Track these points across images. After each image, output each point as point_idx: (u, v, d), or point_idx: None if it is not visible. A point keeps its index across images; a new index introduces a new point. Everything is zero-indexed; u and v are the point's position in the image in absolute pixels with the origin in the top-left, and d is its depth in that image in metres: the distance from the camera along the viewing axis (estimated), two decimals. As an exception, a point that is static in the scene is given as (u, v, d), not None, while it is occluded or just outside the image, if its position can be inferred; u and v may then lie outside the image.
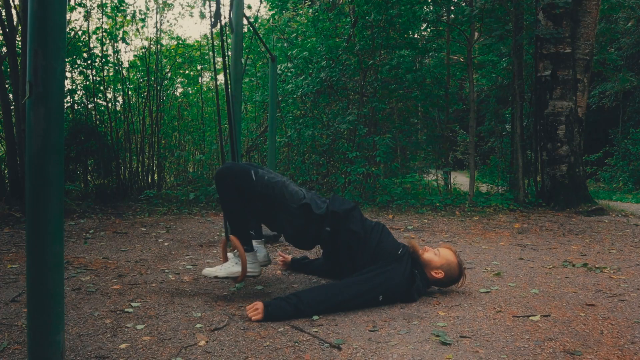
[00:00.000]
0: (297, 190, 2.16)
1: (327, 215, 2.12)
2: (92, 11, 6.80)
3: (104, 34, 6.82)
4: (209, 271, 2.14)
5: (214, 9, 2.41)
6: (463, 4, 8.19)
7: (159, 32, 7.37)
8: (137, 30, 7.21)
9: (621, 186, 11.70)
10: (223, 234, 2.31)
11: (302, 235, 2.18)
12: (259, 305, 1.88)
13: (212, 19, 2.41)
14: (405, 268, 2.09)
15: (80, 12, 7.79)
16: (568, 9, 6.07)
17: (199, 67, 8.41)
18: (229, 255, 2.24)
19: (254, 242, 2.37)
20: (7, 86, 5.42)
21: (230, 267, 2.14)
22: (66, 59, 2.37)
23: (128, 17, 7.07)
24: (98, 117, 6.92)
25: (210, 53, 9.17)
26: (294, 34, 7.82)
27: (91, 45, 6.75)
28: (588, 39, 6.27)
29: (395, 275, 2.05)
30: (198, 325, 1.79)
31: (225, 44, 2.38)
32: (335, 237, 2.13)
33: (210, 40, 8.17)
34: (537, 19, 6.28)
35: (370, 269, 2.06)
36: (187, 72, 8.25)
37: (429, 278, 2.20)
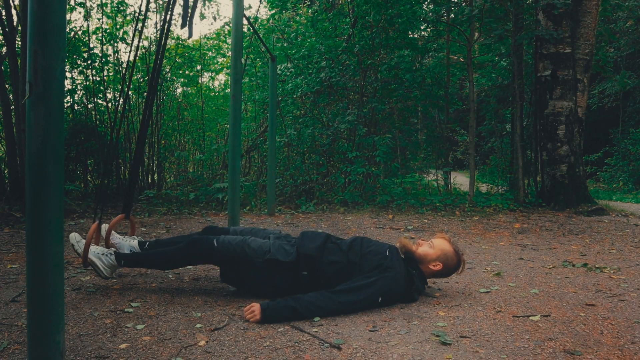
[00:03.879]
0: (262, 243, 2.12)
1: (300, 259, 2.08)
2: (92, 11, 6.80)
3: (104, 34, 6.82)
4: (74, 237, 2.19)
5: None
6: (463, 4, 8.18)
7: (159, 32, 7.37)
8: (137, 30, 7.21)
9: (621, 186, 11.69)
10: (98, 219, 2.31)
11: (280, 287, 2.11)
12: (255, 307, 1.87)
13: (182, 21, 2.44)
14: (400, 267, 2.07)
15: (80, 12, 7.79)
16: (568, 9, 6.07)
17: (198, 67, 8.42)
18: (115, 242, 2.31)
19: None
20: (7, 86, 5.42)
21: (90, 251, 2.13)
22: (66, 59, 2.37)
23: (128, 18, 7.07)
24: (98, 117, 6.92)
25: (209, 53, 9.19)
26: (294, 34, 7.82)
27: (91, 45, 6.75)
28: (588, 39, 6.27)
29: (393, 277, 2.03)
30: (198, 325, 1.79)
31: (161, 45, 2.40)
32: (315, 276, 2.08)
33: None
34: (537, 19, 6.28)
35: (369, 275, 2.03)
36: (186, 72, 8.26)
37: (427, 273, 2.17)
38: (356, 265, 2.07)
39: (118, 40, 6.96)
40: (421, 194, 7.34)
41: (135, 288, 2.29)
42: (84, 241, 2.17)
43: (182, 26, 2.40)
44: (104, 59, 6.91)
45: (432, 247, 2.17)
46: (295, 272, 2.08)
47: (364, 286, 1.98)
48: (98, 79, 6.83)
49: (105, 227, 2.33)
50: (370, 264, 2.06)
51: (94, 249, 2.15)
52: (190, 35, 2.61)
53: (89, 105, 6.90)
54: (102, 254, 2.15)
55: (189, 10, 2.43)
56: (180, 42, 8.01)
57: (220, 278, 2.25)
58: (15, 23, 5.24)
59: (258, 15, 8.88)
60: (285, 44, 7.72)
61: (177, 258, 2.16)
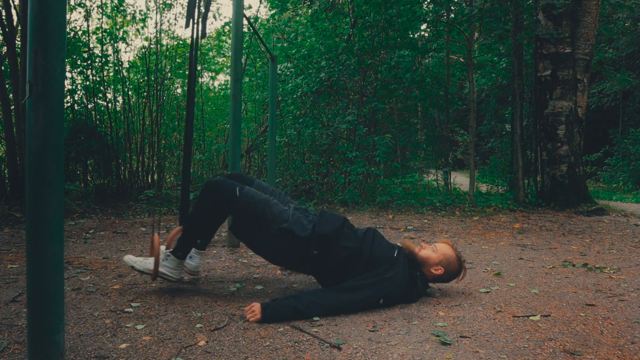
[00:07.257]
0: (282, 210, 2.08)
1: (314, 237, 2.05)
2: (92, 11, 6.80)
3: (104, 34, 6.82)
4: (129, 259, 2.15)
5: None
6: (463, 4, 8.19)
7: (159, 32, 7.37)
8: (137, 30, 7.22)
9: (621, 186, 11.69)
10: (159, 230, 2.29)
11: (285, 257, 2.13)
12: (256, 307, 1.87)
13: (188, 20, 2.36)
14: (404, 270, 2.07)
15: (80, 12, 7.80)
16: (568, 9, 6.07)
17: (198, 67, 8.41)
18: (163, 250, 2.23)
19: (194, 251, 2.31)
20: (7, 86, 5.43)
21: (149, 263, 2.12)
22: (66, 59, 2.36)
23: (128, 17, 7.07)
24: (98, 117, 6.92)
25: (210, 53, 9.18)
26: (294, 34, 7.82)
27: (91, 45, 6.75)
28: (588, 39, 6.27)
29: (396, 280, 2.03)
30: (198, 325, 1.79)
31: (195, 45, 2.32)
32: (324, 257, 2.07)
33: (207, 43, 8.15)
34: (537, 18, 6.28)
35: (371, 274, 2.02)
36: (186, 72, 8.24)
37: (428, 277, 2.17)
38: (363, 259, 2.06)
39: (118, 40, 6.96)
40: (421, 194, 7.34)
41: (135, 288, 2.29)
42: (140, 259, 2.15)
43: (187, 26, 2.33)
44: (104, 59, 6.91)
45: (435, 251, 2.17)
46: (306, 248, 2.05)
47: (367, 285, 1.98)
48: (98, 79, 6.83)
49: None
50: (377, 263, 2.06)
51: (148, 260, 2.13)
52: (204, 35, 2.54)
53: (89, 105, 6.90)
54: (163, 260, 2.13)
55: (202, 9, 2.38)
56: (181, 42, 8.00)
57: (229, 227, 2.18)
58: (15, 23, 5.24)
59: (258, 15, 8.88)
60: (285, 44, 7.71)
61: (199, 204, 2.06)
